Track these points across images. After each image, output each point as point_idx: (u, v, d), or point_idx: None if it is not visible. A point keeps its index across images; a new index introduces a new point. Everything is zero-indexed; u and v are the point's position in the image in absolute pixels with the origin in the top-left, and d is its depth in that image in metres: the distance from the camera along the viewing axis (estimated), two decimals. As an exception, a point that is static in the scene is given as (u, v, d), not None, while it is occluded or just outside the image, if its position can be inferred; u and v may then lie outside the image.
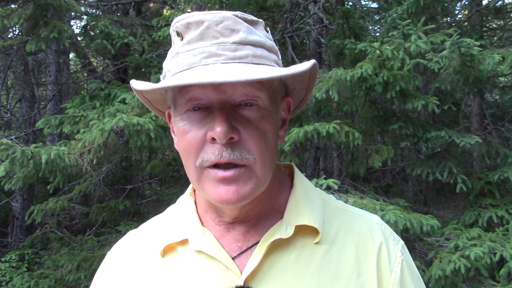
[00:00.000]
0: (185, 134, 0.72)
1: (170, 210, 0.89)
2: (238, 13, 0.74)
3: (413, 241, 3.44)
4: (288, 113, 0.84)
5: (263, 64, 0.72)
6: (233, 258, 0.75)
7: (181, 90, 0.71)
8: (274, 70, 0.70)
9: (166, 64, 0.77)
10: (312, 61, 0.73)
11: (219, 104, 0.69)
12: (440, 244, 3.43)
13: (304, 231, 0.77)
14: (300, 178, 0.85)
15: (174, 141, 0.82)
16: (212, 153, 0.69)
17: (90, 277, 4.10)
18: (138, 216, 7.23)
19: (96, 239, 4.98)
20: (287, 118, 0.84)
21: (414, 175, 4.65)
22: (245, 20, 0.74)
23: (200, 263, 0.76)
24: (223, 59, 0.69)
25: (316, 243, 0.76)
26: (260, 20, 0.78)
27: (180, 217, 0.83)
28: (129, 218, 6.68)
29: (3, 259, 5.81)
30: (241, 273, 0.73)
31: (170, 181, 6.98)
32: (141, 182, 7.59)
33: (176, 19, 0.75)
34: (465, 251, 3.13)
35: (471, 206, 4.19)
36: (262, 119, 0.72)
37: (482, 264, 3.13)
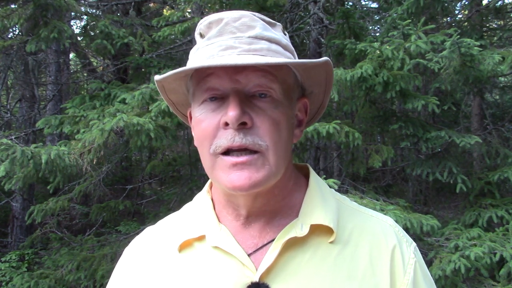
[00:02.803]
0: (200, 123, 0.75)
1: (187, 207, 0.91)
2: (256, 13, 0.78)
3: (413, 241, 3.43)
4: (305, 115, 0.86)
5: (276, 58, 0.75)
6: (249, 255, 0.77)
7: (199, 82, 0.75)
8: (284, 59, 0.75)
9: (188, 62, 0.80)
10: (325, 58, 0.76)
11: (233, 92, 0.72)
12: (440, 244, 3.43)
13: (319, 230, 0.78)
14: (315, 178, 0.86)
15: (194, 138, 0.85)
16: (225, 138, 0.71)
17: (90, 277, 4.10)
18: (138, 216, 7.24)
19: (96, 239, 4.97)
20: (304, 119, 0.86)
21: (414, 175, 4.65)
22: (263, 19, 0.78)
23: (217, 259, 0.78)
24: (238, 51, 0.73)
25: (331, 242, 0.77)
26: (279, 23, 0.82)
27: (197, 213, 0.85)
28: (129, 218, 6.68)
29: (3, 259, 5.81)
30: (257, 269, 0.75)
31: (170, 181, 6.99)
32: (141, 182, 7.59)
33: (199, 22, 0.80)
34: (465, 251, 3.13)
35: (471, 206, 4.19)
36: (275, 109, 0.74)
37: (482, 264, 3.13)
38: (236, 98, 0.71)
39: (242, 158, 0.71)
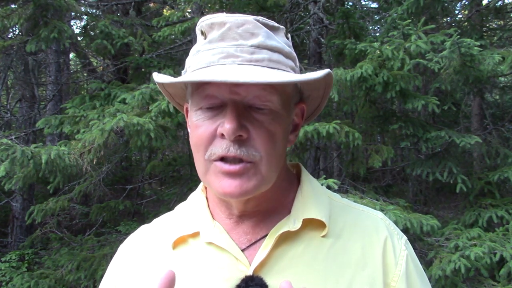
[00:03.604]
0: (197, 129, 0.75)
1: (181, 206, 0.92)
2: (260, 18, 0.77)
3: (413, 241, 3.43)
4: (301, 119, 0.86)
5: (278, 69, 0.75)
6: (242, 250, 0.78)
7: (198, 88, 0.75)
8: (286, 76, 0.73)
9: (187, 61, 0.80)
10: (327, 70, 0.75)
11: (232, 103, 0.72)
12: (440, 244, 3.43)
13: (312, 225, 0.79)
14: (307, 176, 0.87)
15: (190, 135, 0.85)
16: (220, 147, 0.72)
17: (90, 277, 4.10)
18: (138, 216, 7.23)
19: (96, 239, 4.98)
20: (299, 124, 0.86)
21: (414, 175, 4.65)
22: (266, 25, 0.77)
23: (211, 254, 0.79)
24: (240, 61, 0.72)
25: (323, 236, 0.79)
26: (282, 27, 0.81)
27: (192, 211, 0.86)
28: (129, 218, 6.68)
29: (3, 259, 5.81)
30: (250, 264, 0.76)
31: (170, 181, 6.99)
32: (141, 182, 7.59)
33: (201, 19, 0.79)
34: (465, 251, 3.12)
35: (471, 206, 4.19)
36: (272, 121, 0.74)
37: (482, 264, 3.13)
38: (234, 111, 0.71)
39: (235, 167, 0.71)
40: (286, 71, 0.76)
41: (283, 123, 0.77)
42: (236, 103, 0.72)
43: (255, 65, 0.73)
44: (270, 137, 0.73)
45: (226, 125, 0.70)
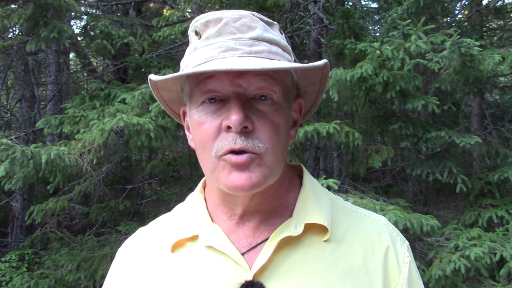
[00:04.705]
0: (200, 125, 0.75)
1: (179, 207, 0.91)
2: (255, 13, 0.77)
3: (413, 241, 3.44)
4: (300, 115, 0.86)
5: (278, 60, 0.75)
6: (242, 254, 0.77)
7: (198, 83, 0.74)
8: (288, 64, 0.74)
9: (183, 61, 0.79)
10: (324, 60, 0.76)
11: (234, 95, 0.71)
12: (440, 244, 3.43)
13: (313, 229, 0.78)
14: (309, 178, 0.87)
15: (188, 138, 0.84)
16: (226, 140, 0.71)
17: (90, 277, 4.10)
18: (138, 216, 7.24)
19: (96, 239, 4.98)
20: (298, 119, 0.86)
21: (414, 175, 4.65)
22: (262, 19, 0.78)
23: (210, 258, 0.78)
24: (240, 53, 0.72)
25: (325, 241, 0.78)
26: (276, 22, 0.82)
27: (190, 213, 0.85)
28: (129, 218, 6.68)
29: (3, 259, 5.81)
30: (250, 268, 0.75)
31: (170, 181, 6.98)
32: (141, 182, 7.60)
33: (194, 20, 0.78)
34: (465, 251, 3.13)
35: (471, 206, 4.19)
36: (275, 112, 0.74)
37: (482, 264, 3.13)
38: (238, 102, 0.71)
39: (242, 157, 0.71)
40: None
41: (285, 115, 0.76)
42: (239, 95, 0.71)
43: (255, 56, 0.73)
44: (274, 129, 0.73)
45: (232, 117, 0.69)
